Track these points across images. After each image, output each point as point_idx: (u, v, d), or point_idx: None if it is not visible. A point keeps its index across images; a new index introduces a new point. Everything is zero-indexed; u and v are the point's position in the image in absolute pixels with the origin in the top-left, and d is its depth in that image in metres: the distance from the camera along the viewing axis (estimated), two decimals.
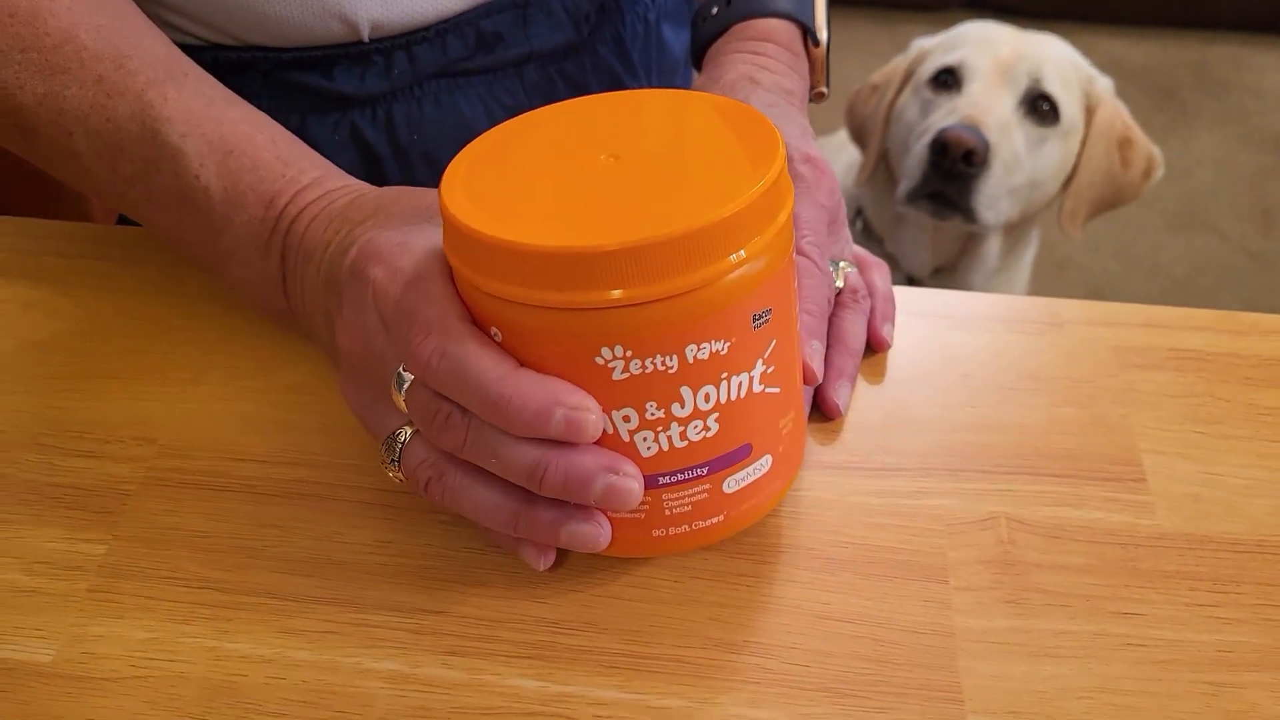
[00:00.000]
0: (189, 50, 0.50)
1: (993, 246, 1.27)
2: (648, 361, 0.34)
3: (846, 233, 0.49)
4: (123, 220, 0.71)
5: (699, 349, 0.34)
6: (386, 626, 0.39)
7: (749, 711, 0.37)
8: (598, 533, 0.37)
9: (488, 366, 0.35)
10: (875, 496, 0.43)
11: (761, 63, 0.54)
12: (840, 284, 0.47)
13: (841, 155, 1.40)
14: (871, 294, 0.49)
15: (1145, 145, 1.25)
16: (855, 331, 0.47)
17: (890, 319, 0.49)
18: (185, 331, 0.50)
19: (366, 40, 0.56)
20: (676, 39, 0.70)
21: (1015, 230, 1.28)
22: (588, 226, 0.33)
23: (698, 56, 0.59)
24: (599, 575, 0.41)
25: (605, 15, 0.63)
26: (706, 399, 0.35)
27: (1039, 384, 0.48)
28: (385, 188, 0.44)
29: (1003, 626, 0.39)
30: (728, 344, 0.35)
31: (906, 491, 0.43)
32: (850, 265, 0.48)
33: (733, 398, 0.36)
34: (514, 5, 0.59)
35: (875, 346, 0.49)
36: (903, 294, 0.51)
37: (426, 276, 0.37)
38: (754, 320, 0.35)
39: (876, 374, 0.48)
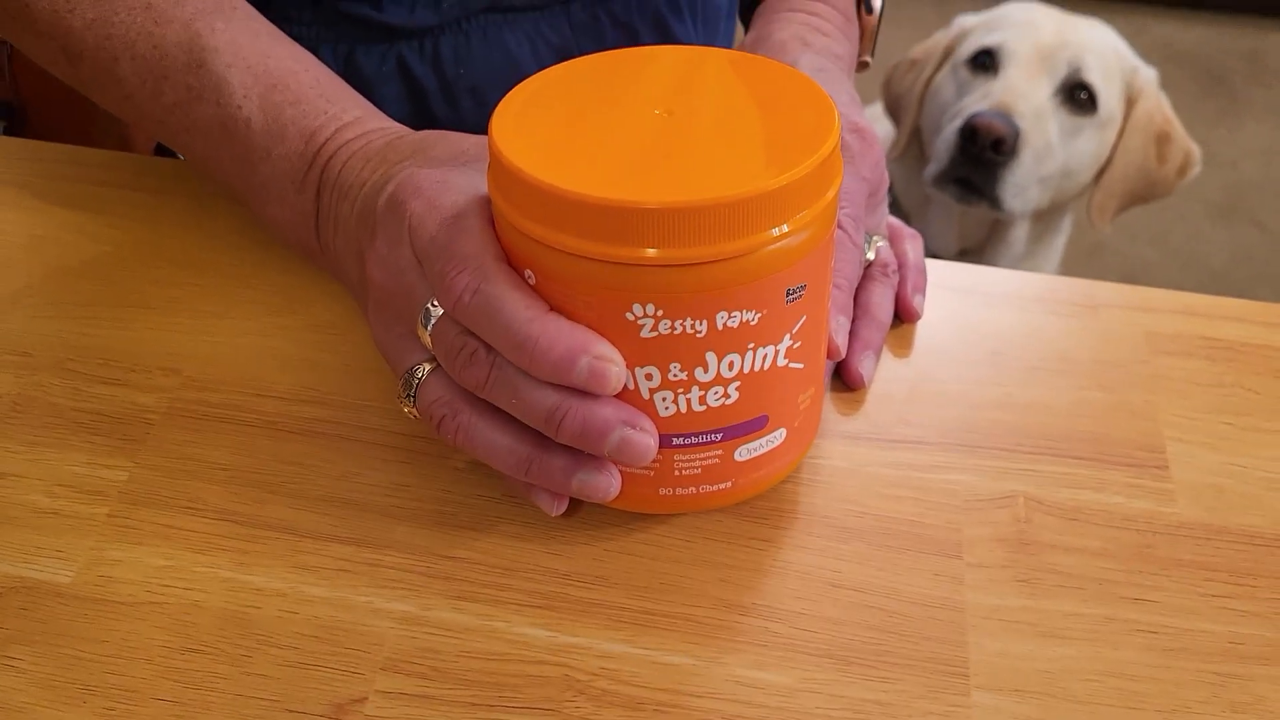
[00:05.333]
0: None
1: (1020, 232, 1.25)
2: (677, 323, 0.34)
3: (884, 206, 0.48)
4: (160, 151, 0.71)
5: (729, 316, 0.34)
6: (399, 568, 0.40)
7: (753, 673, 0.37)
8: (609, 484, 0.37)
9: (519, 306, 0.35)
10: (893, 468, 0.43)
11: (815, 24, 0.53)
12: (871, 256, 0.47)
13: (874, 129, 1.38)
14: (903, 264, 0.49)
15: (1184, 141, 1.22)
16: (883, 304, 0.47)
17: (921, 290, 0.49)
18: (216, 265, 0.50)
19: None
20: None
21: (1045, 217, 1.26)
22: (632, 181, 0.33)
23: (746, 11, 0.58)
24: (611, 530, 0.41)
25: None
26: (730, 367, 0.35)
27: (1067, 365, 0.47)
28: (425, 131, 0.44)
29: (1013, 605, 0.39)
30: (759, 315, 0.35)
31: (925, 465, 0.43)
32: (882, 239, 0.48)
33: (756, 369, 0.36)
34: None
35: (905, 317, 0.48)
36: (935, 268, 0.51)
37: (466, 214, 0.37)
38: (787, 294, 0.35)
39: (903, 346, 0.48)
